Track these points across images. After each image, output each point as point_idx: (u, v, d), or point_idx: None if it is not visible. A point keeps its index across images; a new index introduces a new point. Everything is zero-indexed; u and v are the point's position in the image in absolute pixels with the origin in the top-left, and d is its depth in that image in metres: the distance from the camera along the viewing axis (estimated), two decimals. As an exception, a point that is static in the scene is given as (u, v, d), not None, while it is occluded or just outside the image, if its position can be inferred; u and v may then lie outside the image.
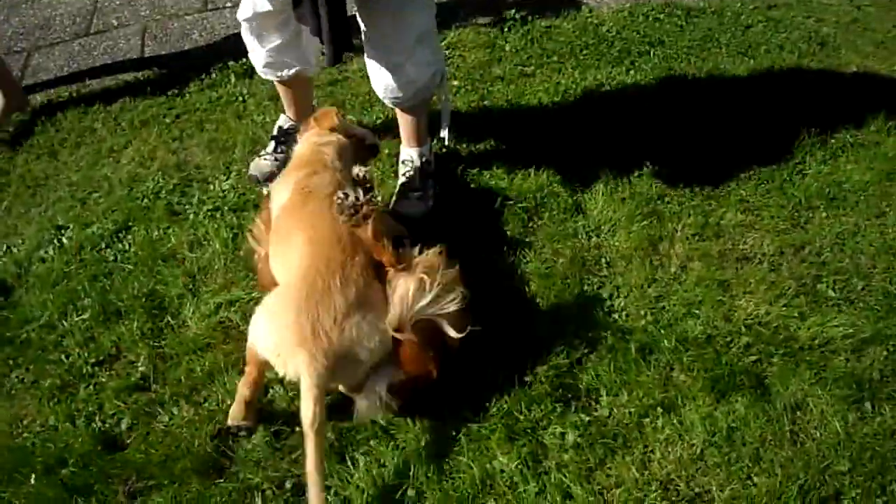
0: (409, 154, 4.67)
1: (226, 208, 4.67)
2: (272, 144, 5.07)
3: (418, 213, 4.51)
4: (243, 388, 3.52)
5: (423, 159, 4.65)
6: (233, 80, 5.96)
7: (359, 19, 4.12)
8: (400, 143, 4.73)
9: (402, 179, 4.65)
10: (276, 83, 4.83)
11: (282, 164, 4.84)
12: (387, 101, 4.43)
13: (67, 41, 6.83)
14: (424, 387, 3.40)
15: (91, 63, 6.44)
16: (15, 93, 5.93)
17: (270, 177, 4.86)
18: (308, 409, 3.12)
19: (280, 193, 3.85)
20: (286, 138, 4.98)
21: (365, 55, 4.24)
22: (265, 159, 5.04)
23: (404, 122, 4.59)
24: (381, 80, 4.25)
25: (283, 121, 5.11)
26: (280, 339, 3.29)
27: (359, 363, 3.30)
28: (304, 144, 4.08)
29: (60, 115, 5.82)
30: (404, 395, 3.38)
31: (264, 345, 3.36)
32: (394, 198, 4.62)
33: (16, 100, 5.94)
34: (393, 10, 4.00)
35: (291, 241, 3.59)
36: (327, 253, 3.45)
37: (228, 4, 7.03)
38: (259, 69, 4.65)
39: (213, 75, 6.06)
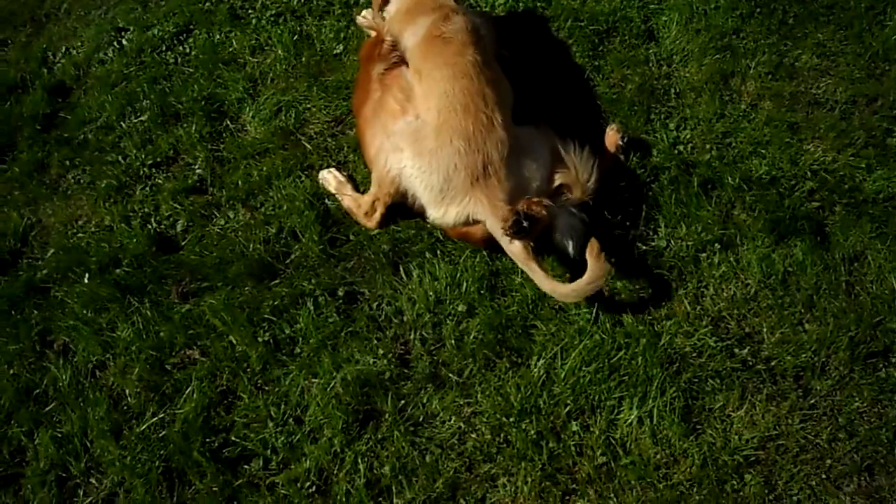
0: None
1: (289, 14, 4.58)
2: None
3: None
4: (369, 224, 3.54)
5: None
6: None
7: None
8: None
9: None
10: None
11: None
12: None
13: None
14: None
15: None
16: None
17: None
18: (516, 247, 3.17)
19: (410, 34, 3.71)
20: None
21: None
22: None
23: None
24: None
25: None
26: (446, 177, 3.26)
27: (527, 194, 3.28)
28: None
29: (123, -83, 5.73)
30: None
31: (424, 181, 3.31)
32: None
33: None
34: None
35: (436, 77, 3.48)
36: (483, 89, 3.40)
37: None
38: None
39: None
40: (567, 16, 4.36)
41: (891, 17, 4.41)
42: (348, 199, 3.57)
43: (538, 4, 4.47)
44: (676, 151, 3.74)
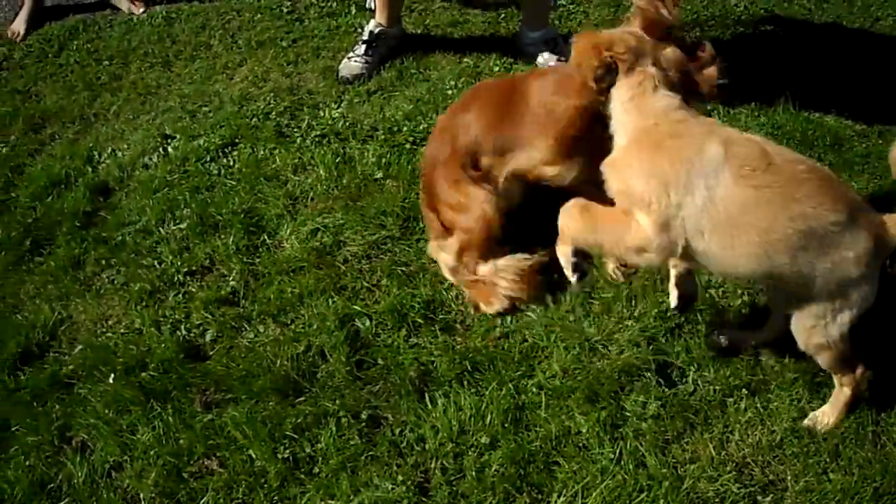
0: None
1: (333, 136, 4.69)
2: (363, 47, 5.24)
3: None
4: None
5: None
6: (353, 11, 5.97)
7: None
8: None
9: None
10: None
11: (372, 66, 5.15)
12: None
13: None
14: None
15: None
16: None
17: (359, 78, 5.14)
18: None
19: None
20: (376, 42, 5.24)
21: None
22: (355, 61, 5.22)
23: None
24: None
25: (373, 25, 5.30)
26: None
27: None
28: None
29: (178, 28, 5.92)
30: None
31: None
32: None
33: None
34: None
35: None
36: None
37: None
38: None
39: (334, 4, 6.09)
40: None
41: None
42: None
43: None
44: (707, 295, 3.73)
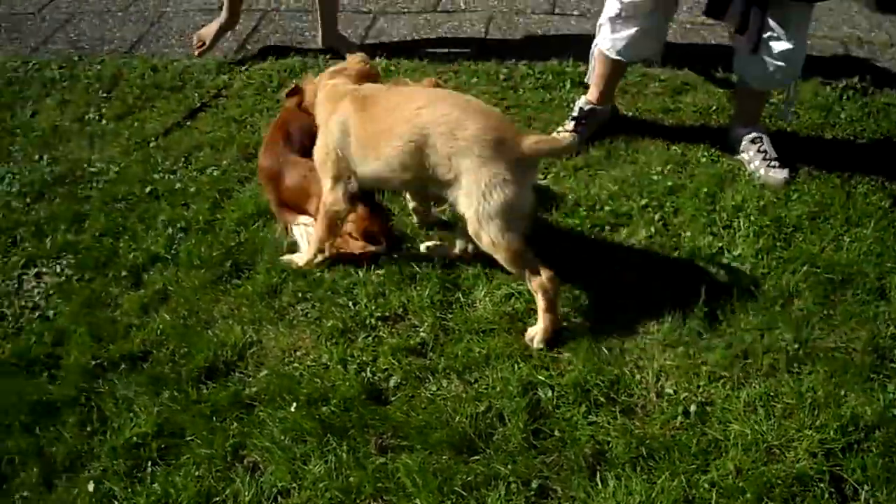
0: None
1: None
2: (572, 124, 5.37)
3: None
4: None
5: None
6: (567, 85, 6.07)
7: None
8: None
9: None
10: (600, 66, 5.35)
11: (580, 142, 5.16)
12: (754, 84, 5.09)
13: (414, 13, 7.24)
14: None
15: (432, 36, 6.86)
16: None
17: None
18: None
19: None
20: (586, 119, 5.37)
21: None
22: None
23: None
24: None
25: (584, 102, 5.43)
26: None
27: None
28: None
29: (393, 77, 6.07)
30: None
31: None
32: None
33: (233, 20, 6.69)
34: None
35: None
36: None
37: (575, 13, 7.22)
38: (612, 50, 5.17)
39: (549, 77, 6.22)
40: (802, 261, 4.37)
41: None
42: None
43: (777, 245, 4.52)
44: (891, 415, 3.61)
